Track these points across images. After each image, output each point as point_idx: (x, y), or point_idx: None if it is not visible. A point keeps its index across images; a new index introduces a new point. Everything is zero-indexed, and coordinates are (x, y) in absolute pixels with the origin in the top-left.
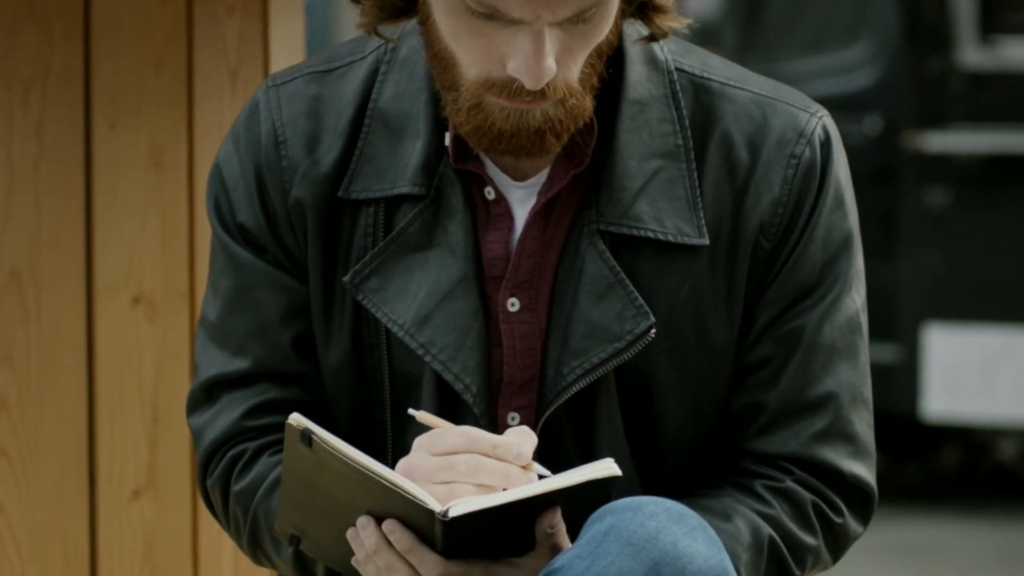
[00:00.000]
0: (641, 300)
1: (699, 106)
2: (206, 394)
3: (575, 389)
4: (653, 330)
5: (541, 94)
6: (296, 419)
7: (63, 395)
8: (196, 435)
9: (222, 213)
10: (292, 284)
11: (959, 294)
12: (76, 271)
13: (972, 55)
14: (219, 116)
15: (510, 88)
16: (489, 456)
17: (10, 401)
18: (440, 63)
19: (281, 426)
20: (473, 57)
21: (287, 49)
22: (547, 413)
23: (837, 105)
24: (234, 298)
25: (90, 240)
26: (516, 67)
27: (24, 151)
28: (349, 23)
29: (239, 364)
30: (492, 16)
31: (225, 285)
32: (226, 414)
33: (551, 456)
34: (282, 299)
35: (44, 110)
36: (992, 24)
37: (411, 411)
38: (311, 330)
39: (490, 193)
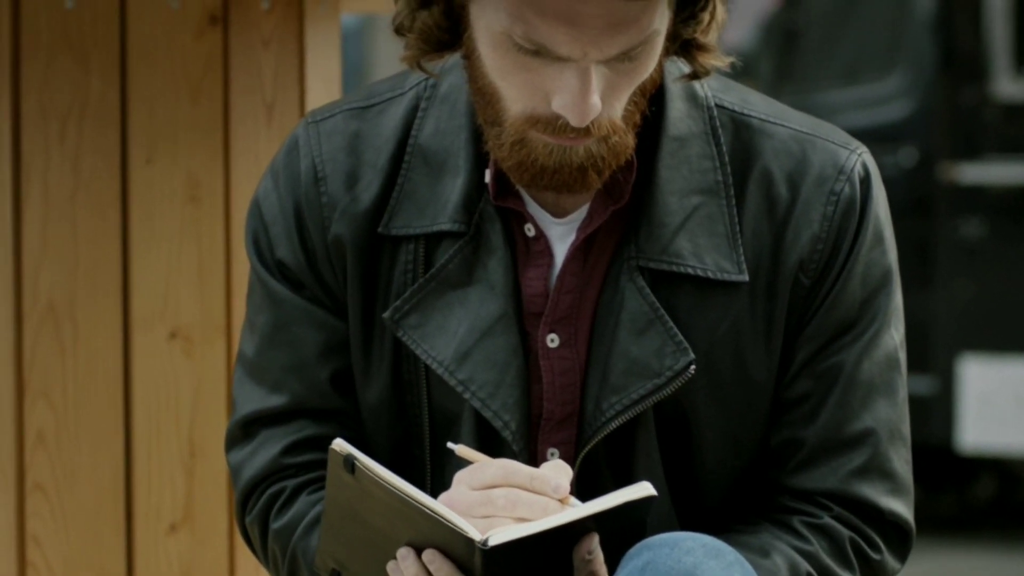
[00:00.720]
0: (681, 336)
1: (739, 142)
2: (244, 430)
3: (614, 425)
4: (693, 366)
5: (585, 131)
6: (340, 444)
7: (100, 429)
8: (234, 472)
9: (261, 249)
10: (330, 320)
11: (994, 325)
12: (113, 305)
13: (1007, 86)
14: (255, 150)
15: (554, 124)
16: (527, 489)
17: (47, 435)
18: (483, 98)
19: (320, 463)
20: (518, 92)
21: (323, 82)
22: (586, 448)
23: (872, 136)
24: (272, 334)
25: (127, 274)
26: (562, 104)
27: (61, 184)
28: (383, 55)
29: (276, 400)
30: (539, 52)
31: (263, 321)
32: (264, 451)
33: (590, 492)
34: (320, 336)
35: (81, 143)
36: None
37: (450, 445)
38: (349, 367)
39: (530, 230)
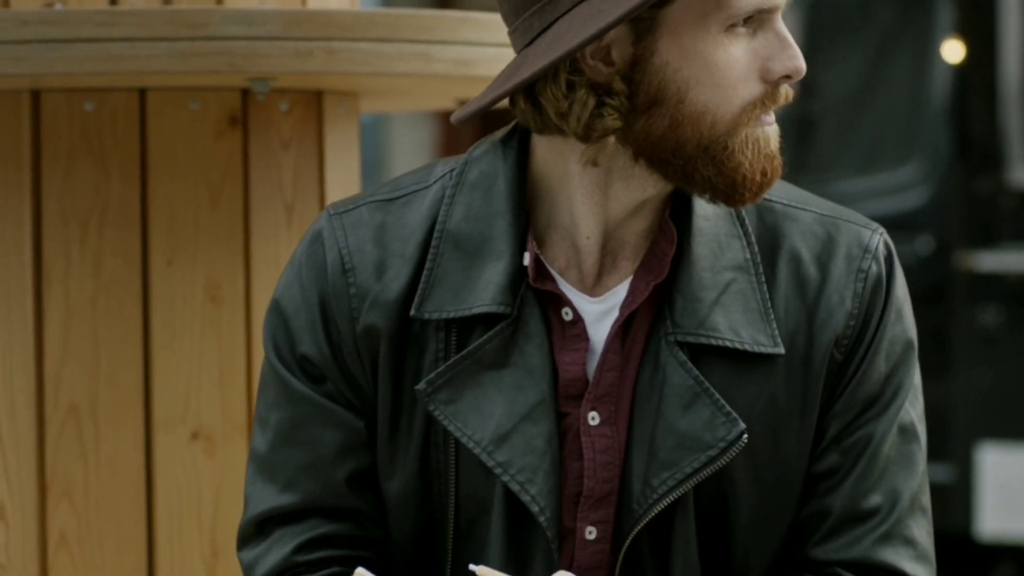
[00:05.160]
0: (728, 407)
1: (764, 226)
2: (257, 528)
3: (668, 501)
4: (745, 436)
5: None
6: (361, 574)
7: (122, 530)
8: (247, 569)
9: (279, 346)
10: (348, 419)
11: (1012, 413)
12: (134, 406)
13: (1022, 174)
14: (275, 251)
15: (774, 94)
16: None
17: (70, 536)
18: (688, 126)
19: (333, 560)
20: (734, 81)
21: (342, 183)
22: (638, 527)
23: (889, 225)
24: (288, 432)
25: (148, 375)
26: (783, 54)
27: (82, 287)
28: (400, 148)
29: (289, 499)
30: (750, 18)
31: (277, 418)
32: (277, 549)
33: (629, 573)
34: (338, 435)
35: (101, 246)
36: None
37: (472, 566)
38: (366, 467)
39: (567, 314)
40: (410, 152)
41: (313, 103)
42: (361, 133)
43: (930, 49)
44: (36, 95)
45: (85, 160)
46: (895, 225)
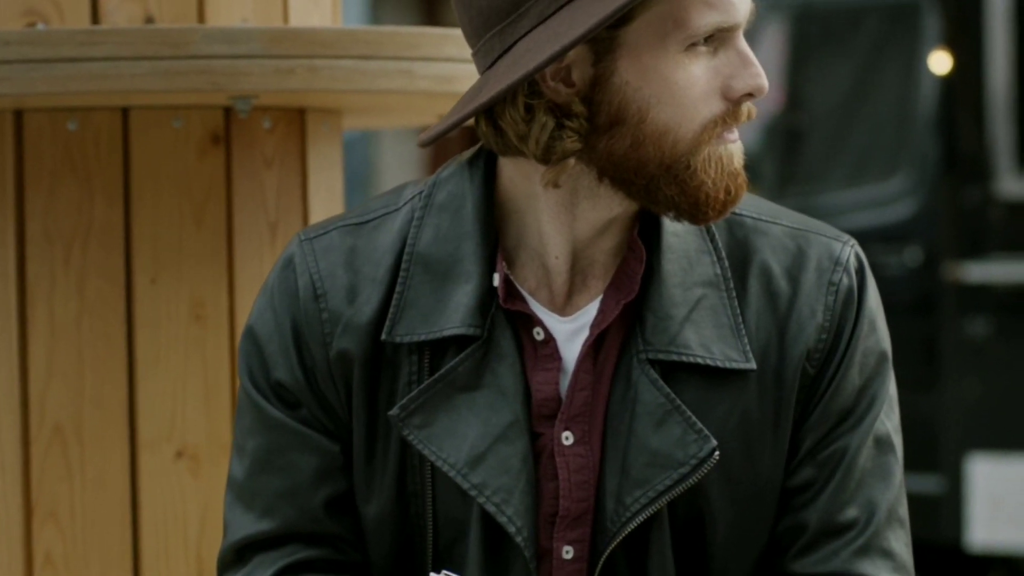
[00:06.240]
0: (700, 424)
1: (734, 240)
2: (237, 555)
3: (641, 519)
4: (717, 452)
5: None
6: None
7: (108, 549)
8: None
9: (254, 373)
10: (324, 444)
11: (1002, 423)
12: (119, 426)
13: (1010, 185)
14: (259, 269)
15: (736, 112)
16: None
17: (55, 557)
18: (649, 145)
19: None
20: (695, 98)
21: (326, 201)
22: (612, 545)
23: (877, 237)
24: (265, 458)
25: (133, 395)
26: (746, 72)
27: (66, 307)
28: (389, 162)
29: (267, 525)
30: (711, 37)
31: (254, 445)
32: (257, 575)
33: None
34: (314, 461)
35: (85, 266)
36: None
37: (433, 575)
38: (343, 492)
39: (539, 334)
40: (399, 167)
41: (296, 121)
42: (350, 148)
43: (917, 60)
44: (19, 115)
45: (68, 180)
46: (883, 237)
